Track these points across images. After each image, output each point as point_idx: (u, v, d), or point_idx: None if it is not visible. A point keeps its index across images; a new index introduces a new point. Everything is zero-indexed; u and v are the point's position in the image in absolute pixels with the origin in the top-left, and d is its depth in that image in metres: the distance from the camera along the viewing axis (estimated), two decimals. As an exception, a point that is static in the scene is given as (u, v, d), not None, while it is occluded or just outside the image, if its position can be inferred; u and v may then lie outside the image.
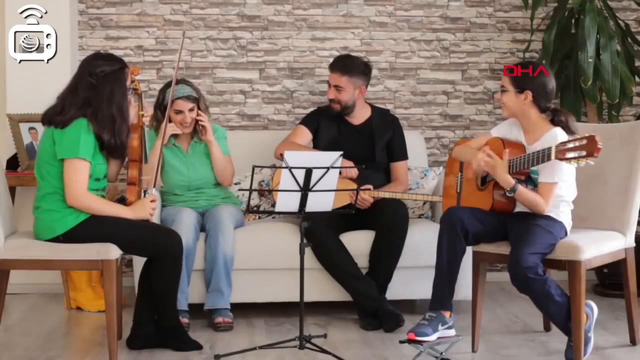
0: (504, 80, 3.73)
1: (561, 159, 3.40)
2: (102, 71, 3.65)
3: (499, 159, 3.62)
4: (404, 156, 4.72)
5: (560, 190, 3.64)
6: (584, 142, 3.33)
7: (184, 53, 5.19)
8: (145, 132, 3.87)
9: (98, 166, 3.65)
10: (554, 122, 3.69)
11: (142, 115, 3.86)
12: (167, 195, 4.53)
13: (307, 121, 4.74)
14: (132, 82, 3.84)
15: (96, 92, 3.63)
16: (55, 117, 3.61)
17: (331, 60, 4.76)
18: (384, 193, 4.47)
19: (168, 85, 4.45)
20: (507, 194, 3.62)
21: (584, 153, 3.33)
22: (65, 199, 3.60)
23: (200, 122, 4.41)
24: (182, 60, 5.18)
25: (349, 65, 4.59)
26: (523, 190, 3.61)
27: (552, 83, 3.71)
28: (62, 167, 3.59)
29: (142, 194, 3.82)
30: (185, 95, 4.37)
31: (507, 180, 3.60)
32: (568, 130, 3.65)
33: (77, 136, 3.56)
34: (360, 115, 4.70)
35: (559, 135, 3.60)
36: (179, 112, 4.38)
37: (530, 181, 3.69)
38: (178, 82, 4.39)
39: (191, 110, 4.40)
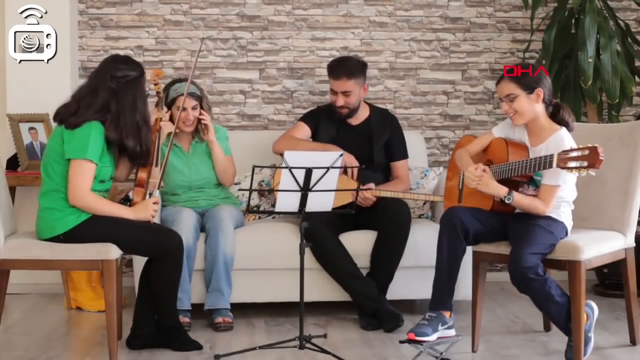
0: (508, 88, 3.66)
1: (562, 168, 3.40)
2: (124, 76, 3.65)
3: (482, 176, 3.61)
4: (403, 155, 4.71)
5: (561, 192, 3.64)
6: (586, 152, 3.33)
7: (183, 53, 5.20)
8: (160, 136, 3.87)
9: (104, 168, 3.65)
10: (558, 119, 3.69)
11: (160, 119, 3.87)
12: (167, 195, 4.53)
13: (307, 119, 4.73)
14: (156, 84, 3.83)
15: (117, 97, 3.62)
16: (69, 117, 3.60)
17: (331, 60, 4.76)
18: (387, 192, 4.46)
19: (171, 84, 4.46)
20: (506, 200, 3.60)
21: (585, 163, 3.33)
22: (67, 198, 3.60)
23: (202, 121, 4.41)
24: (182, 60, 5.19)
25: (351, 68, 4.57)
26: (519, 197, 3.60)
27: (549, 80, 3.73)
28: (68, 166, 3.59)
29: (147, 196, 3.82)
30: (189, 92, 4.38)
31: (498, 191, 3.60)
32: (569, 127, 3.66)
33: (87, 137, 3.56)
34: (359, 115, 4.69)
35: (565, 138, 3.59)
36: (183, 109, 4.39)
37: (532, 182, 3.69)
38: (182, 80, 4.42)
39: (194, 108, 4.40)
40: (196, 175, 4.48)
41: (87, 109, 3.60)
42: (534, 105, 3.65)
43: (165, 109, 4.08)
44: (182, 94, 4.31)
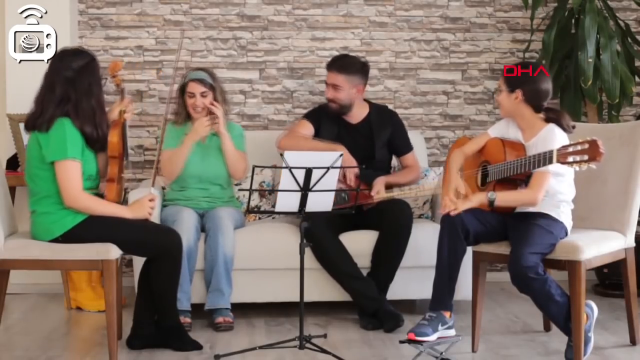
0: (500, 81, 3.78)
1: (563, 163, 3.40)
2: (77, 65, 3.64)
3: (456, 201, 3.61)
4: (409, 148, 4.72)
5: (558, 186, 3.65)
6: (586, 146, 3.33)
7: (183, 53, 5.19)
8: (126, 128, 3.87)
9: (88, 164, 3.64)
10: (547, 120, 3.71)
11: (123, 112, 3.86)
12: (173, 190, 4.52)
13: (310, 116, 4.72)
14: (114, 77, 3.81)
15: (74, 85, 3.61)
16: (37, 120, 3.58)
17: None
18: (391, 193, 4.45)
19: (187, 73, 4.50)
20: (490, 197, 3.61)
21: (585, 157, 3.32)
22: (61, 201, 3.59)
23: (211, 110, 4.40)
24: (182, 60, 5.18)
25: (346, 64, 4.58)
26: (502, 193, 3.62)
27: (545, 84, 3.70)
28: (53, 170, 3.57)
29: (122, 192, 3.82)
30: (197, 78, 4.39)
31: (480, 200, 3.63)
32: (561, 127, 3.67)
33: (63, 136, 3.55)
34: (358, 114, 4.69)
35: (555, 130, 3.62)
36: (191, 95, 4.40)
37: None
38: (198, 69, 4.48)
39: (204, 95, 4.40)
40: (208, 167, 4.47)
41: (49, 105, 3.58)
42: (513, 104, 3.70)
43: (128, 98, 4.04)
44: (190, 79, 4.40)
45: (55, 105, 3.58)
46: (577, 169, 3.41)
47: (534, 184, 3.61)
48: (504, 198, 3.63)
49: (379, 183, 4.47)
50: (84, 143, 3.62)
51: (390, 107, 5.23)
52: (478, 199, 3.64)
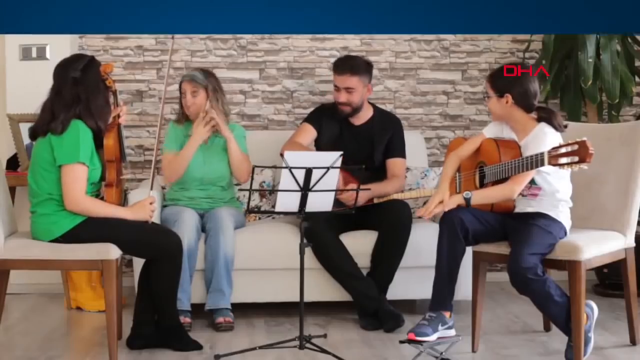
0: (486, 87, 3.77)
1: (554, 165, 3.40)
2: (82, 65, 3.66)
3: (433, 210, 3.67)
4: (401, 154, 4.66)
5: (556, 184, 3.65)
6: (576, 147, 3.33)
7: (183, 53, 5.20)
8: (122, 131, 3.87)
9: (94, 171, 3.64)
10: (539, 119, 3.71)
11: (118, 116, 3.87)
12: (173, 190, 4.52)
13: (311, 119, 4.71)
14: (106, 79, 3.83)
15: (84, 84, 3.63)
16: (50, 125, 3.58)
17: (331, 60, 4.76)
18: (382, 199, 4.45)
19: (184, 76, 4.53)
20: (465, 196, 3.62)
21: (576, 159, 3.33)
22: (61, 203, 3.59)
23: (210, 116, 4.38)
24: (182, 60, 5.19)
25: (356, 65, 4.56)
26: (478, 193, 3.63)
27: (532, 83, 3.70)
28: (59, 172, 3.57)
29: (122, 193, 3.82)
30: (188, 77, 4.43)
31: (455, 203, 3.65)
32: (552, 126, 3.67)
33: (77, 140, 3.55)
34: (362, 116, 4.68)
35: (545, 129, 3.63)
36: (183, 93, 4.44)
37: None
38: (195, 70, 4.52)
39: (194, 94, 4.41)
40: (210, 168, 4.47)
41: (60, 110, 3.58)
42: (504, 108, 3.70)
43: (121, 102, 4.05)
44: (182, 80, 4.45)
45: (66, 108, 3.59)
46: (570, 170, 3.41)
47: (514, 178, 3.61)
48: (481, 195, 3.64)
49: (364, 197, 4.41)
50: (94, 149, 3.63)
51: (390, 107, 5.24)
52: (454, 202, 3.65)
